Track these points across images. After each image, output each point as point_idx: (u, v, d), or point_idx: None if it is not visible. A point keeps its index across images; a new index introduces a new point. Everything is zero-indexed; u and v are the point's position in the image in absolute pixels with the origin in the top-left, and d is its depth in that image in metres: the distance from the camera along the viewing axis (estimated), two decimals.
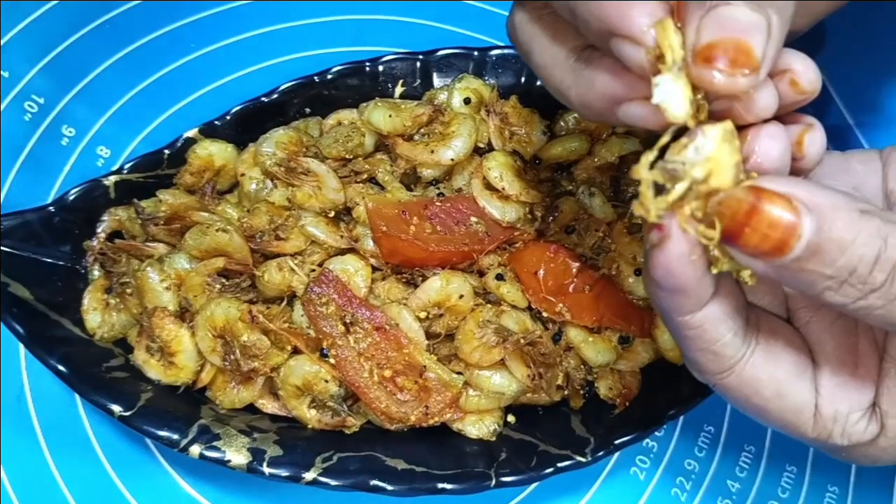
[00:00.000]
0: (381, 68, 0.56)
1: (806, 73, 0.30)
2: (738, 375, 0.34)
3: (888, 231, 0.27)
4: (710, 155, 0.27)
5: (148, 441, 0.52)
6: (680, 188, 0.27)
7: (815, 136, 0.32)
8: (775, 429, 0.35)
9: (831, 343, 0.35)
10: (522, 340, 0.47)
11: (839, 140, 0.61)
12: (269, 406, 0.49)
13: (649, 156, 0.28)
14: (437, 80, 0.57)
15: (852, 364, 0.35)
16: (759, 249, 0.28)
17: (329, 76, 0.55)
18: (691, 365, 0.35)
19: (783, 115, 0.32)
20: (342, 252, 0.49)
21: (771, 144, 0.30)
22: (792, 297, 0.37)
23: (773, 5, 0.28)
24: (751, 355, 0.34)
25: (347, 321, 0.47)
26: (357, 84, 0.56)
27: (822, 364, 0.35)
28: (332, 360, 0.47)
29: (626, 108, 0.30)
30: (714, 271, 0.30)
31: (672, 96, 0.27)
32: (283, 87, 0.54)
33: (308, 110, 0.55)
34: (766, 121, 0.30)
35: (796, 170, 0.32)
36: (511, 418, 0.50)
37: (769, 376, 0.34)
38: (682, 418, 0.53)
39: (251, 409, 0.49)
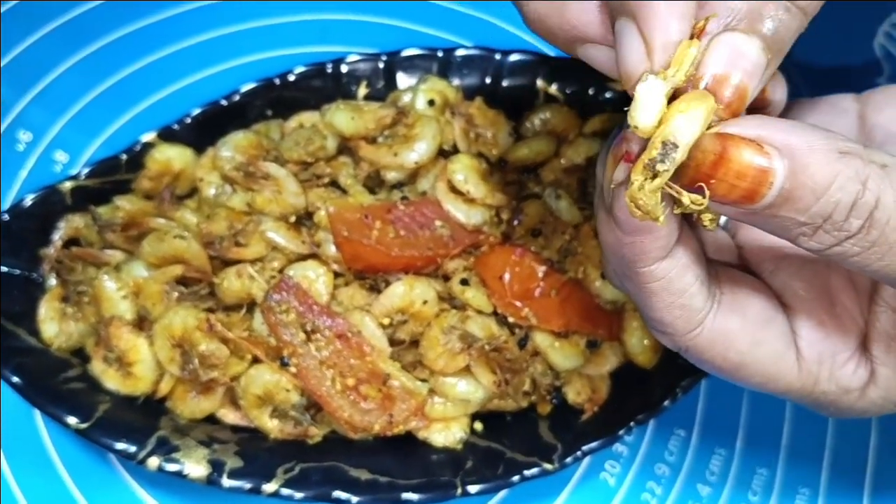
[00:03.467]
0: (343, 69, 0.55)
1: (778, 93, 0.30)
2: (710, 330, 0.31)
3: (868, 173, 0.25)
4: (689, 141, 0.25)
5: (109, 453, 0.51)
6: (665, 171, 0.25)
7: (777, 81, 0.31)
8: (758, 388, 0.33)
9: (801, 285, 0.33)
10: (487, 346, 0.47)
11: None
12: (230, 416, 0.48)
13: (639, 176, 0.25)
14: (401, 82, 0.56)
15: (828, 304, 0.33)
16: (728, 199, 0.26)
17: (290, 78, 0.54)
18: (658, 326, 0.32)
19: None
20: (304, 258, 0.48)
21: (778, 82, 0.30)
22: (749, 250, 0.36)
23: (774, 46, 0.27)
24: (717, 307, 0.32)
25: (308, 329, 0.46)
26: (319, 85, 0.55)
27: (795, 307, 0.33)
28: (293, 369, 0.46)
29: (589, 50, 0.29)
30: (677, 211, 0.27)
31: (650, 102, 0.25)
32: (243, 90, 0.53)
33: (269, 113, 0.54)
34: None
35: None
36: (478, 426, 0.49)
37: (741, 325, 0.32)
38: (652, 422, 0.53)
39: (212, 419, 0.48)
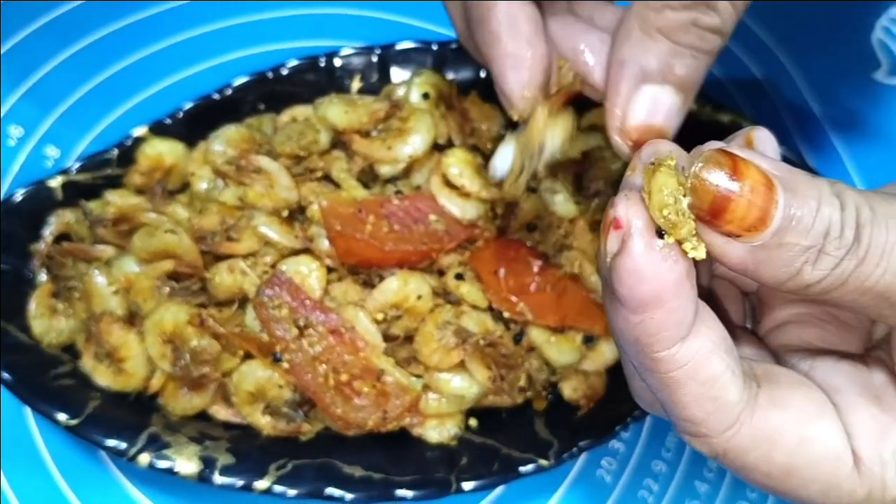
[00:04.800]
0: (337, 63, 0.55)
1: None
2: (750, 427, 0.28)
3: (838, 188, 0.26)
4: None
5: (100, 450, 0.50)
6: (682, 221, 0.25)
7: (761, 133, 0.29)
8: (815, 500, 0.29)
9: (842, 380, 0.30)
10: (482, 342, 0.46)
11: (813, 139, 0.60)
12: (222, 413, 0.47)
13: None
14: (395, 75, 0.55)
15: (875, 398, 0.30)
16: (745, 223, 0.24)
17: (283, 72, 0.54)
18: (691, 427, 0.28)
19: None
20: (296, 253, 0.47)
21: (769, 145, 0.29)
22: (781, 350, 0.33)
23: (686, 86, 0.31)
24: (756, 400, 0.28)
25: (301, 324, 0.45)
26: (313, 79, 0.54)
27: (841, 402, 0.30)
28: (285, 365, 0.45)
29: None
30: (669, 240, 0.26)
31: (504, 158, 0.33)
32: (235, 84, 0.53)
33: (262, 107, 0.54)
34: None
35: None
36: (473, 422, 0.49)
37: (785, 420, 0.28)
38: (648, 419, 0.52)
39: (204, 416, 0.48)
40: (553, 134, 0.33)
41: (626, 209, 0.25)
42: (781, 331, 0.34)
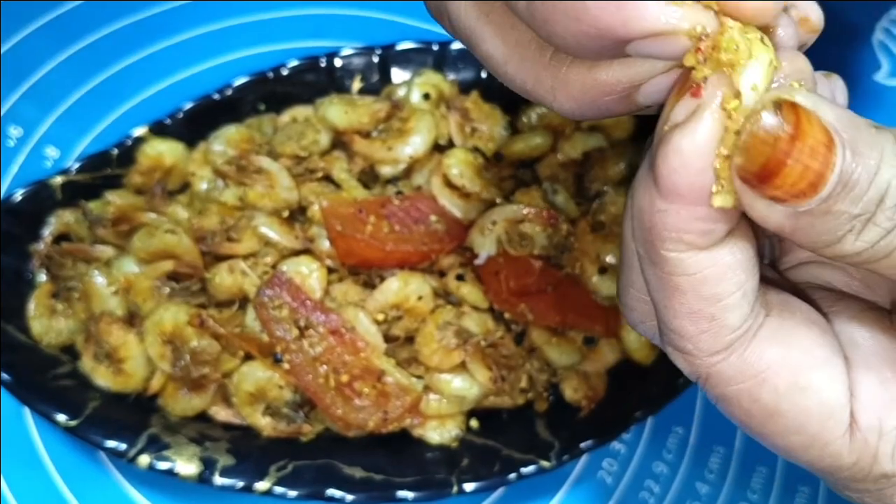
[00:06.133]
0: (337, 63, 0.54)
1: (813, 10, 0.24)
2: (741, 357, 0.24)
3: None
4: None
5: (99, 451, 0.50)
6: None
7: (837, 86, 0.26)
8: (795, 454, 0.26)
9: (863, 333, 0.27)
10: (483, 342, 0.46)
11: None
12: (222, 414, 0.47)
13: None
14: (396, 76, 0.55)
15: (892, 359, 0.26)
16: (797, 188, 0.21)
17: (284, 72, 0.54)
18: (676, 339, 0.25)
19: None
20: (297, 253, 0.47)
21: (834, 87, 0.25)
22: (806, 287, 0.29)
23: None
24: (758, 329, 0.25)
25: (301, 325, 0.45)
26: (313, 80, 0.54)
27: (854, 357, 0.26)
28: (286, 366, 0.45)
29: (647, 89, 0.23)
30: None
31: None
32: (235, 84, 0.53)
33: (262, 107, 0.53)
34: None
35: None
36: (474, 423, 0.48)
37: (783, 358, 0.25)
38: (649, 420, 0.52)
39: (204, 417, 0.48)
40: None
41: (718, 81, 0.21)
42: (804, 269, 0.30)
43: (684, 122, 0.21)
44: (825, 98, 0.22)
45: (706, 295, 0.23)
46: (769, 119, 0.21)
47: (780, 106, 0.21)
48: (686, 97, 0.21)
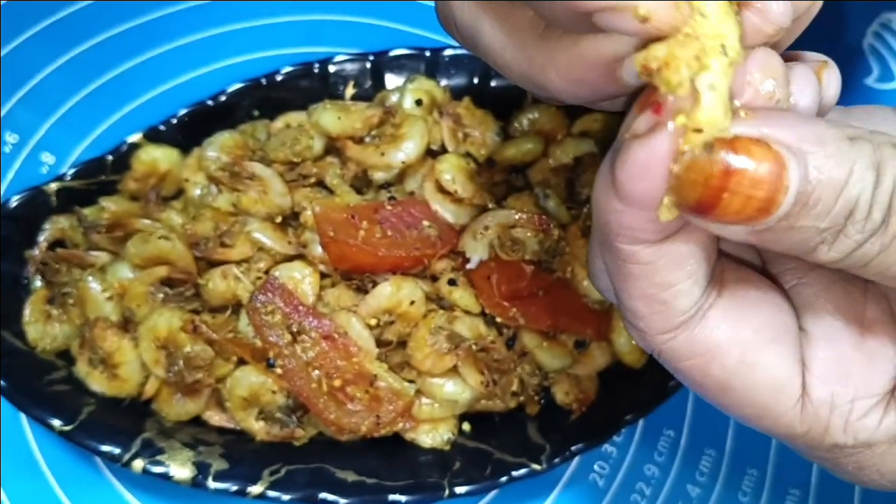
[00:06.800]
0: (331, 69, 0.55)
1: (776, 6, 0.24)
2: (690, 336, 0.26)
3: (880, 156, 0.22)
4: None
5: (95, 456, 0.50)
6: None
7: (832, 74, 0.27)
8: (752, 423, 0.27)
9: (828, 307, 0.27)
10: (475, 347, 0.46)
11: None
12: (216, 418, 0.48)
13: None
14: (389, 82, 0.55)
15: (857, 335, 0.27)
16: (743, 215, 0.22)
17: (278, 78, 0.54)
18: (630, 316, 0.26)
19: (788, 56, 0.27)
20: (290, 259, 0.48)
21: (806, 83, 0.25)
22: (775, 254, 0.29)
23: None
24: (708, 309, 0.26)
25: (294, 330, 0.45)
26: (307, 86, 0.54)
27: (813, 331, 0.27)
28: (279, 371, 0.45)
29: (628, 64, 0.23)
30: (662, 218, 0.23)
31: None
32: (229, 90, 0.53)
33: (256, 113, 0.54)
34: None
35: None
36: (466, 426, 0.49)
37: (732, 336, 0.26)
38: (641, 423, 0.53)
39: (198, 421, 0.48)
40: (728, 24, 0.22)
41: (679, 101, 0.21)
42: None
43: (644, 135, 0.22)
44: (786, 116, 0.22)
45: (658, 282, 0.25)
46: (699, 159, 0.21)
47: (711, 146, 0.21)
48: (648, 111, 0.22)
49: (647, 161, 0.22)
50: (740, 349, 0.26)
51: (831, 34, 0.64)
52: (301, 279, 0.46)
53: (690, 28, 0.21)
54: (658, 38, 0.21)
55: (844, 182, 0.22)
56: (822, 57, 0.28)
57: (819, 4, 0.26)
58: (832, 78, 0.27)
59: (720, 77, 0.21)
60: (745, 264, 0.29)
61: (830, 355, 0.27)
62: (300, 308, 0.46)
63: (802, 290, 0.28)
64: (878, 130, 0.24)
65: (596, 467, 0.52)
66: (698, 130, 0.21)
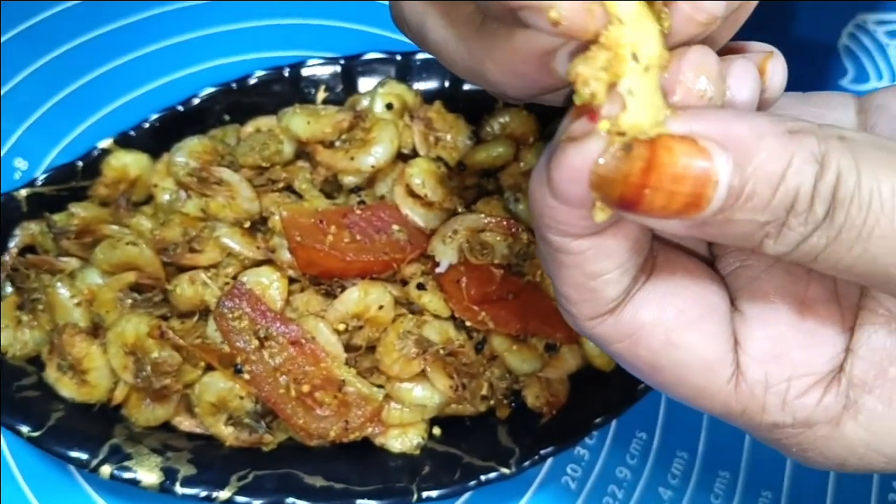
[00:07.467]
0: (302, 74, 0.55)
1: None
2: (615, 321, 0.26)
3: (825, 149, 0.22)
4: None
5: None
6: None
7: (777, 64, 0.27)
8: (691, 403, 0.28)
9: (765, 287, 0.28)
10: (443, 351, 0.46)
11: None
12: (185, 423, 0.48)
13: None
14: (361, 86, 0.55)
15: (797, 315, 0.27)
16: (670, 210, 0.22)
17: (249, 82, 0.54)
18: (563, 301, 0.27)
19: (733, 47, 0.27)
20: (259, 264, 0.48)
21: (744, 77, 0.25)
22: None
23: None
24: (635, 293, 0.26)
25: (262, 335, 0.45)
26: (278, 90, 0.54)
27: (749, 312, 0.27)
28: (246, 376, 0.45)
29: (560, 58, 0.24)
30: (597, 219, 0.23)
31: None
32: (201, 95, 0.53)
33: (227, 118, 0.54)
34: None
35: (758, 105, 0.27)
36: (437, 431, 0.49)
37: (656, 318, 0.26)
38: (613, 425, 0.53)
39: (168, 427, 0.48)
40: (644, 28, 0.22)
41: (611, 108, 0.22)
42: None
43: (578, 139, 0.22)
44: (716, 112, 0.23)
45: (588, 271, 0.25)
46: (617, 158, 0.22)
47: (630, 146, 0.22)
48: (584, 117, 0.22)
49: (581, 164, 0.22)
50: (664, 329, 0.26)
51: (807, 35, 0.64)
52: (269, 284, 0.46)
53: (605, 36, 0.21)
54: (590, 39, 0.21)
55: (781, 175, 0.22)
56: (768, 48, 0.28)
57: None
58: (777, 68, 0.27)
59: (638, 82, 0.21)
60: (683, 249, 0.29)
61: (766, 335, 0.27)
62: (267, 313, 0.46)
63: (742, 272, 0.28)
64: (828, 123, 0.23)
65: (568, 470, 0.52)
66: (623, 133, 0.22)
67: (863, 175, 0.22)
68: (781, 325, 0.27)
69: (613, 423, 0.52)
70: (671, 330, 0.26)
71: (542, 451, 0.47)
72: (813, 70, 0.63)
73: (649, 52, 0.21)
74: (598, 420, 0.48)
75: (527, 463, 0.47)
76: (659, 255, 0.28)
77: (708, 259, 0.30)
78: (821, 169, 0.22)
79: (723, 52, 0.27)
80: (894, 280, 0.23)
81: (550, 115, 0.53)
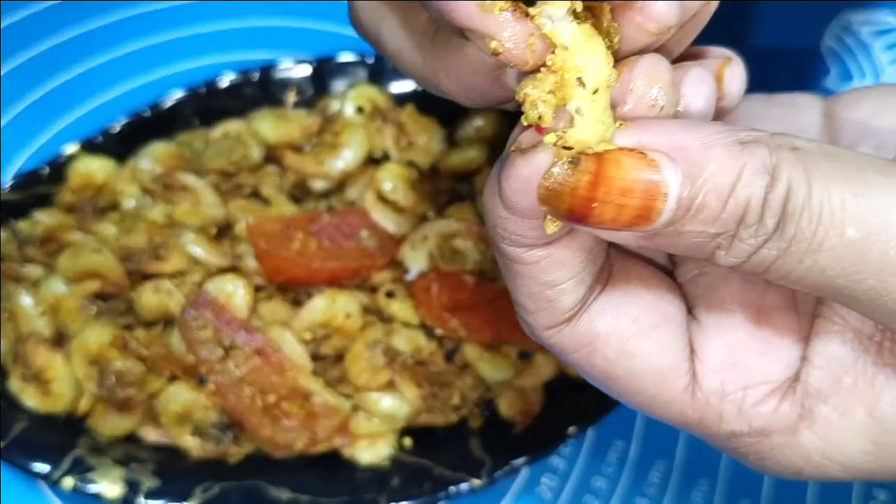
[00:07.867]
0: (273, 76, 0.54)
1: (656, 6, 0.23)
2: (571, 331, 0.26)
3: (776, 160, 0.22)
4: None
5: None
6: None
7: (735, 71, 0.27)
8: (648, 412, 0.27)
9: (722, 296, 0.28)
10: (411, 360, 0.46)
11: None
12: (152, 434, 0.47)
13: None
14: (332, 88, 0.55)
15: (753, 324, 0.27)
16: (620, 223, 0.22)
17: (218, 86, 0.53)
18: (520, 311, 0.27)
19: (692, 53, 0.27)
20: (224, 271, 0.47)
21: (699, 85, 0.25)
22: None
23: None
24: (591, 303, 0.26)
25: (226, 345, 0.44)
26: (248, 93, 0.53)
27: (706, 321, 0.27)
28: (211, 387, 0.44)
29: (511, 72, 0.23)
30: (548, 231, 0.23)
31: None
32: (168, 99, 0.52)
33: (196, 122, 0.53)
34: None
35: (716, 112, 0.27)
36: (408, 441, 0.48)
37: (610, 327, 0.26)
38: (589, 434, 0.52)
39: (133, 438, 0.47)
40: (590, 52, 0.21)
41: (559, 125, 0.22)
42: None
43: (528, 151, 0.22)
44: (666, 123, 0.22)
45: (542, 281, 0.25)
46: (564, 172, 0.22)
47: (577, 159, 0.22)
48: (533, 129, 0.22)
49: (528, 176, 0.22)
50: (619, 339, 0.26)
51: (789, 35, 0.63)
52: (233, 292, 0.46)
53: (552, 59, 0.21)
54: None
55: (731, 187, 0.22)
56: (727, 52, 0.27)
57: (715, 4, 0.25)
58: (735, 75, 0.27)
59: (586, 104, 0.21)
60: (641, 258, 0.29)
61: (722, 343, 0.27)
62: (232, 322, 0.45)
63: (700, 280, 0.28)
64: (785, 131, 0.23)
65: (544, 480, 0.51)
66: (569, 148, 0.21)
67: (813, 187, 0.22)
68: (738, 333, 0.27)
69: (589, 431, 0.51)
70: (626, 339, 0.26)
71: (514, 462, 0.46)
72: (796, 69, 0.62)
73: (597, 76, 0.21)
74: (572, 429, 0.47)
75: (498, 473, 0.46)
76: (615, 263, 0.27)
77: (667, 268, 0.29)
78: (771, 181, 0.22)
79: (681, 58, 0.27)
80: (844, 291, 0.23)
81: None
